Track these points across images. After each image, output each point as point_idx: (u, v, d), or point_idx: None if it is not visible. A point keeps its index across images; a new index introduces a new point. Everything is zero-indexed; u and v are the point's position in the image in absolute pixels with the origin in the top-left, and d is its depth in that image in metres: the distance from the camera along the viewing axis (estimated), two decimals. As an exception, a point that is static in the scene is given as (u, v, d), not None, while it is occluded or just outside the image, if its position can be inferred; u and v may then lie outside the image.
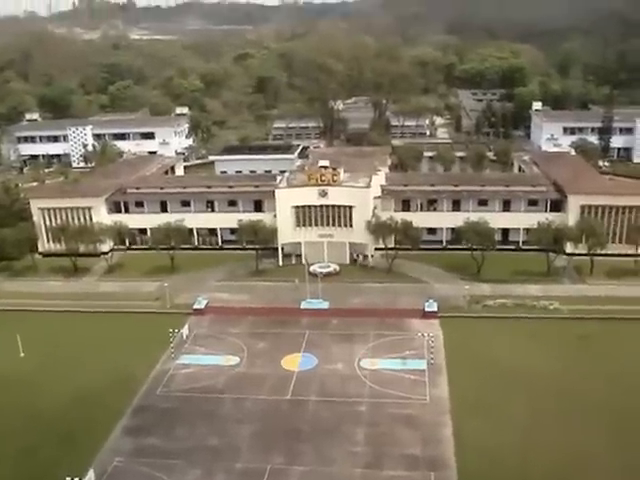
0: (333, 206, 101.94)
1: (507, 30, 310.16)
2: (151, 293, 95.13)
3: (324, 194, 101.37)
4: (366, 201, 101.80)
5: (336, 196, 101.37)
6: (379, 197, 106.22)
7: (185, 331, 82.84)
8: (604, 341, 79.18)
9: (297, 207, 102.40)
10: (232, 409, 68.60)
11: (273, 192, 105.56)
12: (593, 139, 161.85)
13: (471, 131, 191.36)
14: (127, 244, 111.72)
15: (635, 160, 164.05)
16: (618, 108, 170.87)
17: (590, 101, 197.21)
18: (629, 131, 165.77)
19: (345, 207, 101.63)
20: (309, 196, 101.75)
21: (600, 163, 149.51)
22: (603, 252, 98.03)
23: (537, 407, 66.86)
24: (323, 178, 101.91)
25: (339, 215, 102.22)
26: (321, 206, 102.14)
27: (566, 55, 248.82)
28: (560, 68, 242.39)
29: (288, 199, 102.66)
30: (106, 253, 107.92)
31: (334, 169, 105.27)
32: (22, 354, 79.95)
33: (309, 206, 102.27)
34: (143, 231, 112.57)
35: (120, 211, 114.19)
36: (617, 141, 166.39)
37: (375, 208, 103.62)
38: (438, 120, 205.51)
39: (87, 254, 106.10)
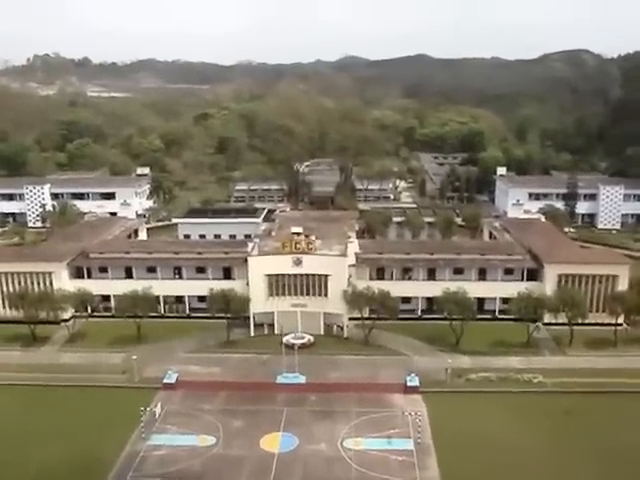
0: (307, 275, 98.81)
1: (462, 95, 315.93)
2: (117, 365, 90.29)
3: (299, 262, 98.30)
4: (342, 270, 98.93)
5: (311, 265, 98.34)
6: (353, 265, 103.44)
7: (157, 408, 77.92)
8: (590, 416, 77.40)
9: (270, 275, 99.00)
10: (211, 496, 64.20)
11: (245, 259, 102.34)
12: (559, 205, 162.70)
13: (435, 195, 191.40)
14: (89, 311, 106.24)
15: (599, 226, 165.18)
16: (580, 174, 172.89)
17: (551, 167, 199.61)
18: (593, 197, 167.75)
19: (320, 276, 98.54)
20: (283, 264, 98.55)
21: (565, 229, 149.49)
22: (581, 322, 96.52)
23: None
24: (298, 246, 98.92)
25: (314, 284, 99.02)
26: (295, 275, 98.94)
27: (523, 120, 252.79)
28: (518, 133, 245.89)
29: (261, 267, 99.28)
30: (67, 320, 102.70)
31: (307, 236, 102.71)
32: (-22, 433, 74.52)
33: (283, 275, 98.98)
34: (106, 298, 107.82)
35: (82, 276, 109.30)
36: (581, 207, 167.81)
37: (350, 277, 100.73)
38: (401, 184, 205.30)
39: (46, 321, 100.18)
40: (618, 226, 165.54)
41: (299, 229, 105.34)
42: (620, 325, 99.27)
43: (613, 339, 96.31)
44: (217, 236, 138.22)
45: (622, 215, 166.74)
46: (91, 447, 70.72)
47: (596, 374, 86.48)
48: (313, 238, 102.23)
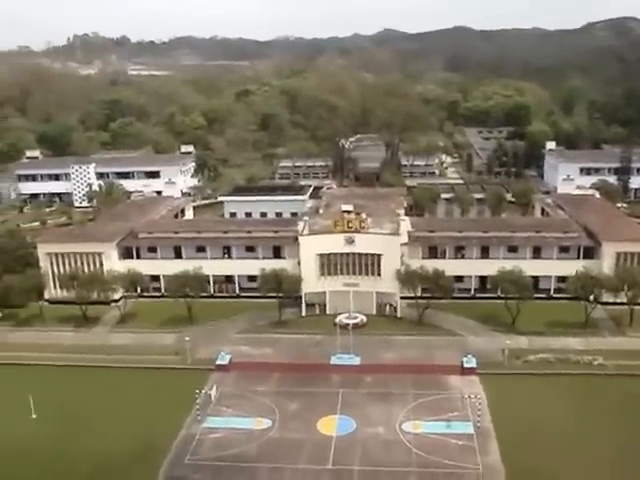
0: (360, 254, 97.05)
1: (505, 67, 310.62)
2: (169, 346, 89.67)
3: (351, 241, 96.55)
4: (395, 249, 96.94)
5: (363, 243, 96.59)
6: (406, 244, 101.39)
7: (213, 391, 77.12)
8: (656, 400, 74.58)
9: (322, 255, 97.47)
10: (270, 481, 63.17)
11: (295, 238, 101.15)
12: (611, 180, 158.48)
13: (483, 171, 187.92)
14: (139, 291, 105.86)
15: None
16: (633, 147, 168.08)
17: (601, 140, 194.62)
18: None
19: (373, 255, 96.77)
20: (335, 243, 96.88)
21: (617, 205, 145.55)
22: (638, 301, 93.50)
23: (595, 476, 62.23)
24: (350, 225, 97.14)
25: (366, 263, 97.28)
26: (347, 254, 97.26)
27: (569, 93, 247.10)
28: (564, 106, 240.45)
29: (312, 246, 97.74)
30: (117, 301, 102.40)
31: (357, 214, 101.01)
32: (34, 415, 74.37)
33: (335, 254, 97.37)
34: (155, 278, 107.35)
35: (131, 257, 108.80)
36: (635, 182, 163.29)
37: (402, 256, 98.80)
38: (447, 159, 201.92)
39: (97, 302, 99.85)
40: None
41: (350, 207, 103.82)
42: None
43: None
44: (263, 214, 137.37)
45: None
46: (146, 430, 70.13)
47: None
48: (364, 216, 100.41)
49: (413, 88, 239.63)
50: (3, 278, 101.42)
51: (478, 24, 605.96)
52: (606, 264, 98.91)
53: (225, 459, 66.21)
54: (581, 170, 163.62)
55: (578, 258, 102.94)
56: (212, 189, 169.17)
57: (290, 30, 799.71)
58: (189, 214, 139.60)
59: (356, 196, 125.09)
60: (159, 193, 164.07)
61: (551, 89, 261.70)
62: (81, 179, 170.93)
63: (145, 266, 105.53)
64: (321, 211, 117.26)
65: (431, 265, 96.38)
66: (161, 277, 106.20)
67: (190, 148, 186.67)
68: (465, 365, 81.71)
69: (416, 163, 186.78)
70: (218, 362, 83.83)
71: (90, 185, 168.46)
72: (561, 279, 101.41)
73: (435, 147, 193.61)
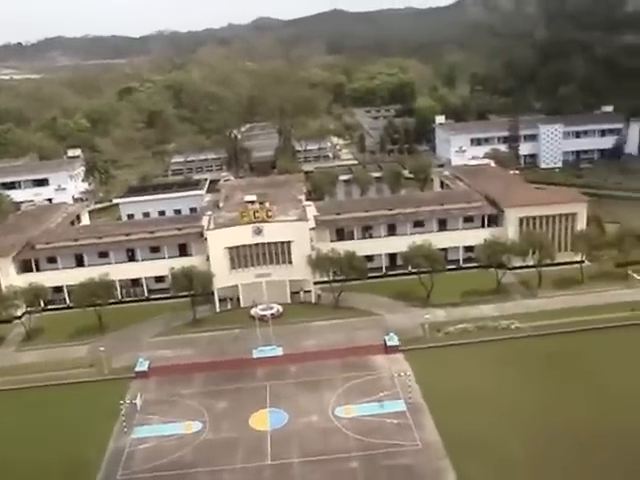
0: (270, 243, 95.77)
1: (386, 47, 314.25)
2: (83, 358, 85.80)
3: (259, 232, 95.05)
4: (304, 235, 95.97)
5: (272, 232, 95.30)
6: (313, 228, 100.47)
7: (137, 399, 74.19)
8: (575, 356, 76.80)
9: (231, 248, 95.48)
10: (210, 485, 61.25)
11: (201, 234, 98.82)
12: (502, 148, 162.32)
13: (375, 150, 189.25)
14: (42, 305, 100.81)
15: (542, 166, 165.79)
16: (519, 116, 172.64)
17: (486, 111, 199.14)
18: (533, 138, 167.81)
19: (283, 243, 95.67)
20: (243, 235, 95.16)
21: (511, 172, 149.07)
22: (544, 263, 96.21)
23: (532, 438, 63.17)
24: (257, 215, 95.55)
25: (277, 252, 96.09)
26: (257, 244, 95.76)
27: (451, 67, 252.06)
28: (447, 80, 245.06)
29: (220, 240, 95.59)
30: (19, 317, 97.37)
31: (262, 203, 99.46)
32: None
33: (244, 246, 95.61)
34: (58, 289, 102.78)
35: (30, 270, 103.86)
36: (524, 148, 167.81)
37: (311, 241, 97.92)
38: (339, 141, 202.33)
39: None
40: (560, 164, 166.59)
41: (253, 197, 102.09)
42: (583, 262, 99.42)
43: (578, 277, 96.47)
44: (162, 212, 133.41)
45: (563, 153, 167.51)
46: (73, 448, 66.97)
47: (570, 313, 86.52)
48: (269, 205, 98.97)
49: (297, 73, 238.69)
50: None
51: (352, 7, 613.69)
52: (510, 230, 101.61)
53: (160, 469, 63.73)
54: (472, 141, 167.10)
55: (483, 227, 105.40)
56: (105, 192, 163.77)
57: (163, 24, 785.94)
58: (85, 219, 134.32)
59: (255, 186, 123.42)
60: (50, 201, 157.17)
61: (432, 65, 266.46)
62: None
63: (46, 278, 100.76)
64: (221, 204, 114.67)
65: (341, 247, 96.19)
66: (64, 288, 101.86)
67: (77, 152, 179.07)
68: (388, 343, 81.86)
69: (309, 148, 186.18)
70: (137, 369, 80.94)
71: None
72: (468, 249, 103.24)
73: (326, 130, 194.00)
